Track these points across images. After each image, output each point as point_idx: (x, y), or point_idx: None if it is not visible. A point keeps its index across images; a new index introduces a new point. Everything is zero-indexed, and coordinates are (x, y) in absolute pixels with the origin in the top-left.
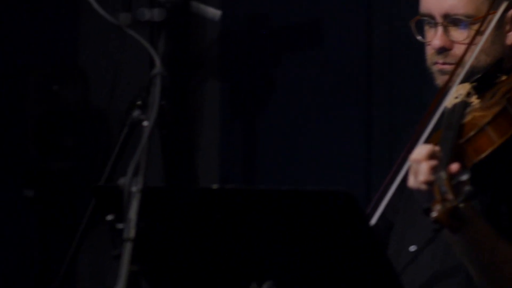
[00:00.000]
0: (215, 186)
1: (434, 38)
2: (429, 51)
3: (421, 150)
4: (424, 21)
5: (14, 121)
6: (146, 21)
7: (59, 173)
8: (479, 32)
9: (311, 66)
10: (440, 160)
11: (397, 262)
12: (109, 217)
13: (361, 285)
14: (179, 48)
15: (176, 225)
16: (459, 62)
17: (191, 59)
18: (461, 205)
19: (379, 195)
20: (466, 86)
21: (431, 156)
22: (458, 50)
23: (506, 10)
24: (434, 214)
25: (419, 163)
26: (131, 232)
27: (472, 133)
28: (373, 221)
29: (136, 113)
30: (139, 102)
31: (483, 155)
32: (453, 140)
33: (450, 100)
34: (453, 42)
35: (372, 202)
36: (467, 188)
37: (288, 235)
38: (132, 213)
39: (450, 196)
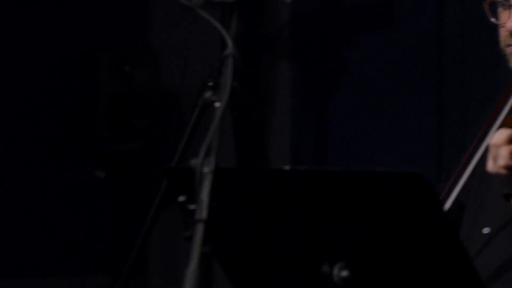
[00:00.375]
0: (286, 167)
1: (508, 20)
2: (503, 33)
3: (501, 134)
4: (498, 3)
5: (86, 102)
6: (218, 2)
7: (130, 154)
8: None
9: (382, 46)
10: None
11: (470, 244)
12: (181, 198)
13: (433, 269)
14: (251, 29)
15: (247, 206)
16: None
17: (263, 40)
18: None
19: (453, 179)
20: None
21: (511, 140)
22: None
23: None
24: None
25: (498, 148)
26: (203, 214)
27: None
28: (447, 205)
29: (208, 94)
30: (210, 83)
31: None
32: None
33: None
34: None
35: (446, 186)
36: None
37: (359, 216)
38: (204, 194)
39: None
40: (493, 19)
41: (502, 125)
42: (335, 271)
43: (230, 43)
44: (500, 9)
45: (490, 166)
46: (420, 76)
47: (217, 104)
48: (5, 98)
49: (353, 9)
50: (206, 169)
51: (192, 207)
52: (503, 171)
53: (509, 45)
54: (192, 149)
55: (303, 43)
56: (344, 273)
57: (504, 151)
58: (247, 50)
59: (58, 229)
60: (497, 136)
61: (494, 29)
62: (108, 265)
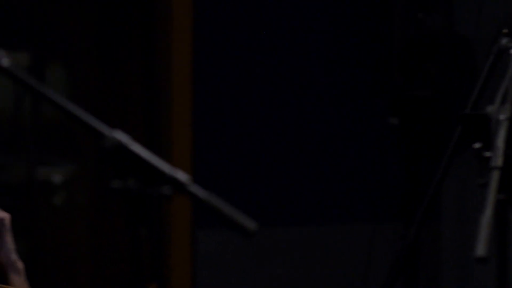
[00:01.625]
0: None
1: None
2: None
3: None
4: None
5: (380, 49)
6: None
7: (423, 101)
8: None
9: None
10: None
11: None
12: (476, 145)
13: None
14: None
15: None
16: None
17: None
18: None
19: None
20: None
21: None
22: None
23: None
24: None
25: None
26: (498, 161)
27: None
28: None
29: (503, 41)
30: (505, 30)
31: None
32: None
33: None
34: None
35: None
36: None
37: None
38: (500, 141)
39: None
40: None
41: None
42: None
43: None
44: None
45: None
46: None
47: None
48: (300, 42)
49: None
50: (502, 116)
51: (487, 154)
52: None
53: None
54: (486, 96)
55: None
56: None
57: None
58: None
59: (350, 175)
60: None
61: None
62: (400, 212)
